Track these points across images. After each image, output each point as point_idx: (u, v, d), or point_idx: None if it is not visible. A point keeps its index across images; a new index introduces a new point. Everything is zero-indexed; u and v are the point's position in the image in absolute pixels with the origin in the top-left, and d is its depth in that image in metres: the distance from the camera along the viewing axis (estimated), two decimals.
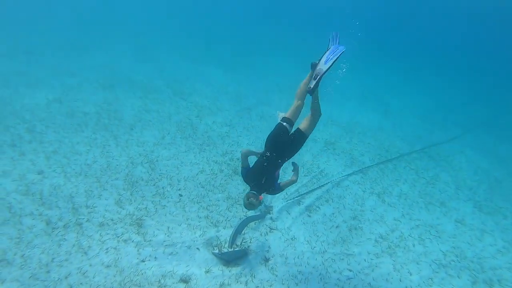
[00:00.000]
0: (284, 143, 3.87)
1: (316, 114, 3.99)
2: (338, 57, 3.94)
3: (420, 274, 4.74)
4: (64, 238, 4.15)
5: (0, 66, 9.98)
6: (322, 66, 3.94)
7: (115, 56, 13.31)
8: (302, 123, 4.03)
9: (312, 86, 3.94)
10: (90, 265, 3.85)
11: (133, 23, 20.94)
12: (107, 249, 4.13)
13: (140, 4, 28.97)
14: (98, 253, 4.04)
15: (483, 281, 4.81)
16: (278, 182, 3.89)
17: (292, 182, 3.94)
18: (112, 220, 4.61)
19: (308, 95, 4.07)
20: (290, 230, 5.12)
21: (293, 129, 4.00)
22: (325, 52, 4.08)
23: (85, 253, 4.00)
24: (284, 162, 3.88)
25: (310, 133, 4.00)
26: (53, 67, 10.62)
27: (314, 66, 4.07)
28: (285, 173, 6.27)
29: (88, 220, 4.51)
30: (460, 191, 7.39)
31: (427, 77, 20.50)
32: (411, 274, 4.70)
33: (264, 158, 3.80)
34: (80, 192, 5.02)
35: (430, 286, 4.55)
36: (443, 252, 5.27)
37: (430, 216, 6.18)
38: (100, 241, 4.22)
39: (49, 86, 8.87)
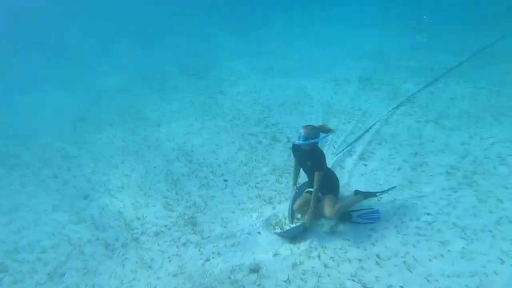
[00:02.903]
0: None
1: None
2: (366, 221, 4.01)
3: None
4: (126, 257, 4.07)
5: None
6: (355, 218, 4.06)
7: (120, 56, 12.98)
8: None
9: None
10: (158, 278, 3.75)
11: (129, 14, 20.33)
12: (169, 257, 3.99)
13: None
14: (162, 263, 3.92)
15: None
16: None
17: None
18: (165, 226, 4.47)
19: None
20: (349, 186, 4.67)
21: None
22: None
23: (150, 267, 3.90)
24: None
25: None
26: (66, 85, 10.51)
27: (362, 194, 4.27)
28: None
29: (143, 233, 4.40)
30: None
31: None
32: (502, 202, 4.06)
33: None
34: (127, 205, 4.91)
35: None
36: None
37: (505, 129, 5.35)
38: (160, 251, 4.10)
39: (69, 106, 8.81)
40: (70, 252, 4.25)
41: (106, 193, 5.23)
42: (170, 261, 3.95)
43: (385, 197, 4.38)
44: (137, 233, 4.41)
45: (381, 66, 8.50)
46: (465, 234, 3.71)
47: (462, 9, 12.96)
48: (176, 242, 4.21)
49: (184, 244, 4.16)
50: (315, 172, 3.87)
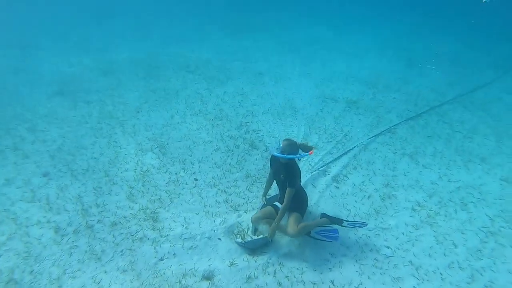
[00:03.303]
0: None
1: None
2: (324, 239, 3.94)
3: (466, 245, 4.19)
4: (76, 245, 3.89)
5: None
6: (313, 233, 3.99)
7: (112, 38, 12.66)
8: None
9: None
10: (105, 272, 3.59)
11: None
12: (122, 251, 3.85)
13: None
14: (113, 257, 3.77)
15: None
16: None
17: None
18: (124, 217, 4.31)
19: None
20: (317, 206, 4.67)
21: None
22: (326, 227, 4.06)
23: (99, 258, 3.74)
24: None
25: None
26: (50, 61, 10.15)
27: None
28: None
29: (99, 221, 4.22)
30: (502, 143, 6.58)
31: (452, 17, 18.56)
32: (456, 246, 4.17)
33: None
34: (88, 190, 4.72)
35: (480, 259, 4.00)
36: (490, 217, 4.66)
37: (471, 176, 5.53)
38: (113, 243, 3.94)
39: (48, 80, 8.46)
40: (14, 232, 4.01)
41: (68, 174, 5.01)
42: (122, 255, 3.80)
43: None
44: (93, 220, 4.23)
45: (369, 92, 8.62)
46: (418, 273, 3.77)
47: (455, 50, 13.38)
48: (132, 236, 4.06)
49: (140, 239, 4.02)
50: (287, 188, 3.83)
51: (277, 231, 3.94)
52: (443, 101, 8.22)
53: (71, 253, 3.78)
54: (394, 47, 13.08)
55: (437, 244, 4.19)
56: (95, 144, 5.77)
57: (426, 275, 3.76)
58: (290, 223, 3.86)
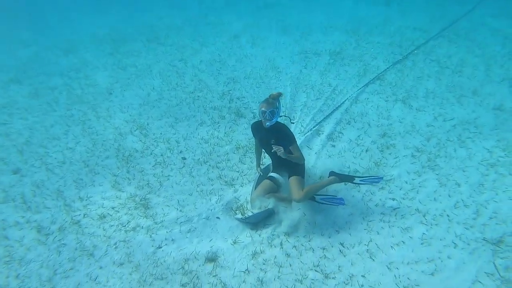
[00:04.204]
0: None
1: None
2: (330, 203, 3.63)
3: (469, 182, 4.08)
4: (63, 243, 3.60)
5: None
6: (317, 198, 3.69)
7: (70, 11, 11.61)
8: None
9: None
10: (100, 268, 3.34)
11: None
12: (115, 244, 3.58)
13: None
14: (106, 251, 3.51)
15: None
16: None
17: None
18: (113, 208, 4.00)
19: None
20: (316, 169, 4.43)
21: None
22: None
23: (91, 254, 3.47)
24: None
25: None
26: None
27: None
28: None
29: (86, 215, 3.91)
30: (491, 71, 6.41)
31: None
32: (459, 185, 4.05)
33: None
34: (68, 183, 4.35)
35: (483, 193, 3.92)
36: (488, 149, 4.55)
37: (465, 111, 5.36)
38: (105, 236, 3.66)
39: (0, 65, 7.70)
40: None
41: (43, 168, 4.61)
42: (116, 248, 3.54)
43: None
44: (79, 215, 3.92)
45: (352, 40, 8.20)
46: (425, 219, 3.66)
47: None
48: (124, 226, 3.78)
49: (133, 229, 3.75)
50: (290, 147, 3.55)
51: (281, 203, 3.70)
52: (427, 38, 7.90)
53: (59, 252, 3.49)
54: None
55: (440, 187, 4.06)
56: (68, 133, 5.32)
57: (433, 219, 3.64)
58: (294, 188, 3.58)
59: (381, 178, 3.80)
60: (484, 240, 3.37)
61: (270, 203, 3.66)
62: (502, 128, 4.93)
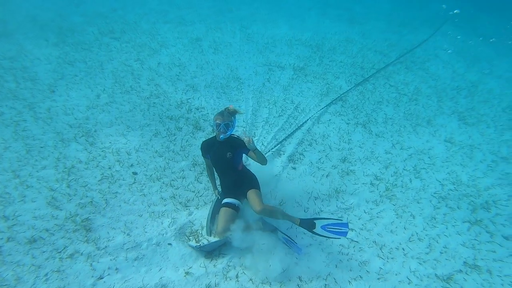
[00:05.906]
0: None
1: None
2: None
3: (422, 214, 4.21)
4: None
5: None
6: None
7: None
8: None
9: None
10: None
11: None
12: (46, 275, 3.09)
13: None
14: (34, 284, 3.01)
15: (481, 206, 4.38)
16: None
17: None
18: (47, 230, 3.48)
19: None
20: (276, 193, 4.27)
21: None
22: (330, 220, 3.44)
23: None
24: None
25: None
26: None
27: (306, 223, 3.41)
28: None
29: (10, 239, 3.35)
30: (443, 103, 6.81)
31: None
32: (414, 217, 4.16)
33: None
34: None
35: (435, 227, 4.05)
36: (440, 182, 4.76)
37: (420, 141, 5.58)
38: (34, 265, 3.15)
39: None
40: None
41: None
42: (46, 280, 3.06)
43: (311, 208, 4.11)
44: (1, 239, 3.34)
45: (315, 56, 8.26)
46: (382, 253, 3.68)
47: (390, 8, 13.68)
48: (59, 253, 3.30)
49: (70, 256, 3.28)
50: (251, 152, 3.46)
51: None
52: (387, 63, 8.21)
53: None
54: (335, 5, 12.83)
55: (397, 218, 4.13)
56: None
57: (390, 253, 3.68)
58: (254, 200, 3.39)
59: (347, 225, 3.36)
60: (436, 276, 3.44)
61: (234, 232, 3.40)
62: (452, 161, 5.19)
